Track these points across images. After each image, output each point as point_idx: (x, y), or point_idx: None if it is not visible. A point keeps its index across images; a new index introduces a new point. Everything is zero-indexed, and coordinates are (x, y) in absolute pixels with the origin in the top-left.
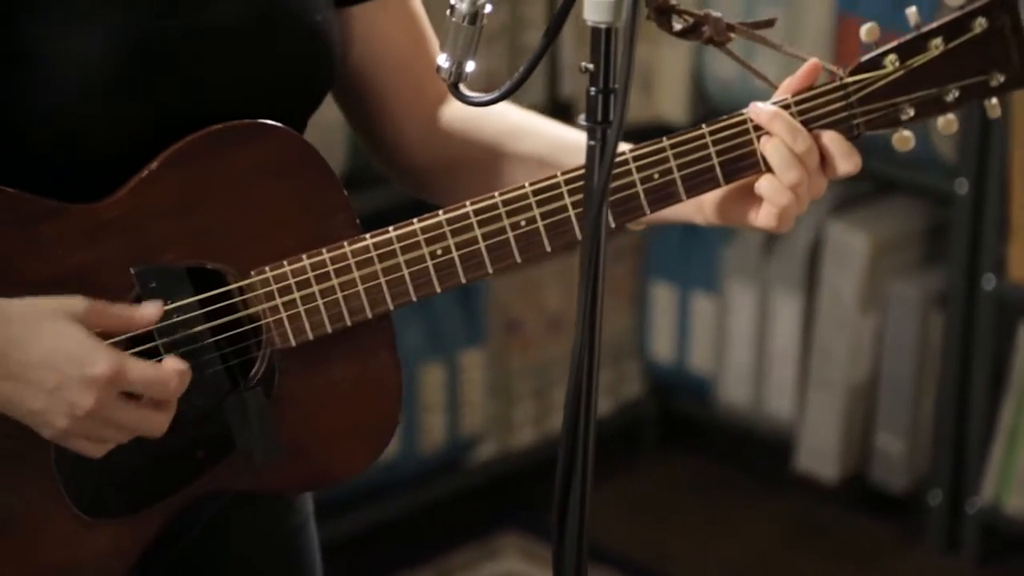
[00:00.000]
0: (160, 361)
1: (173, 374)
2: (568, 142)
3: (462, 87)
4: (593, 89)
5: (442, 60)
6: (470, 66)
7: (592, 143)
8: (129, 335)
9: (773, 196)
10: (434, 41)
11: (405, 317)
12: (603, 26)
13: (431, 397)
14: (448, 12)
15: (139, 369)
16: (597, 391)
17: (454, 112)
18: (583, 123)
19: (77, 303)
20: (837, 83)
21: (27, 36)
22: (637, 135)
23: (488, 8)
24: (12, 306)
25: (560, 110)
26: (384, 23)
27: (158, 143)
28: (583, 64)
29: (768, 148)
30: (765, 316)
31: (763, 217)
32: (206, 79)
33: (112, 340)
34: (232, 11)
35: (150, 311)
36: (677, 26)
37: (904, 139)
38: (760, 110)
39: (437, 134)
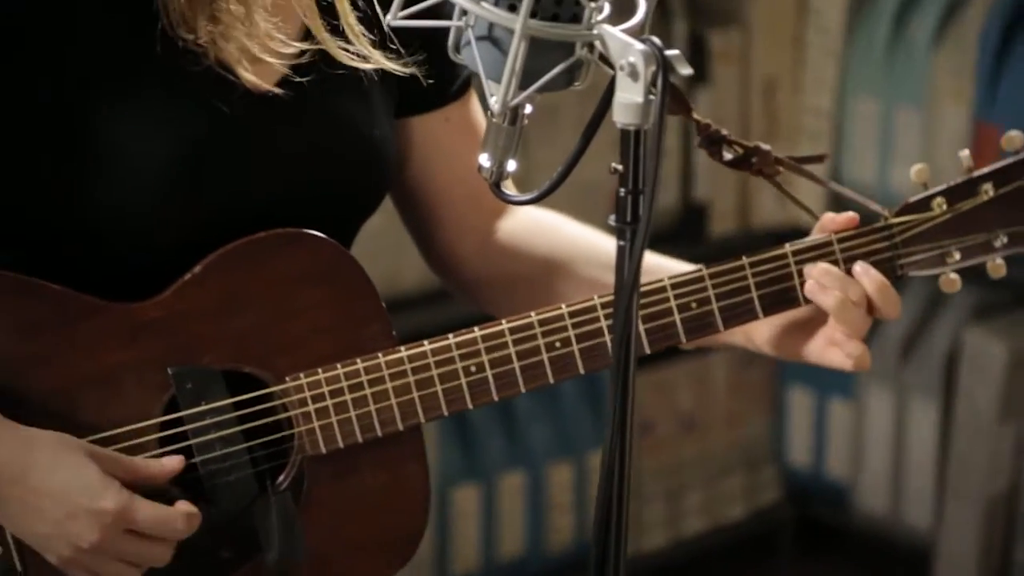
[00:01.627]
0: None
1: (181, 516)
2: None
3: (503, 186)
4: (623, 190)
5: (483, 160)
6: (511, 165)
7: (622, 243)
8: (163, 435)
9: (843, 343)
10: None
11: (532, 415)
12: (632, 128)
13: (559, 496)
14: (488, 112)
15: (147, 509)
16: (628, 513)
17: (510, 226)
18: (612, 223)
19: (106, 452)
20: (882, 223)
21: (94, 133)
22: (773, 238)
23: (528, 109)
24: (40, 434)
25: (694, 212)
26: (444, 134)
27: (207, 245)
28: (613, 165)
29: (830, 302)
30: (902, 423)
31: (830, 358)
32: (260, 187)
33: (146, 438)
34: (289, 121)
35: (172, 464)
36: (727, 156)
37: (951, 282)
38: (814, 269)
39: (492, 247)
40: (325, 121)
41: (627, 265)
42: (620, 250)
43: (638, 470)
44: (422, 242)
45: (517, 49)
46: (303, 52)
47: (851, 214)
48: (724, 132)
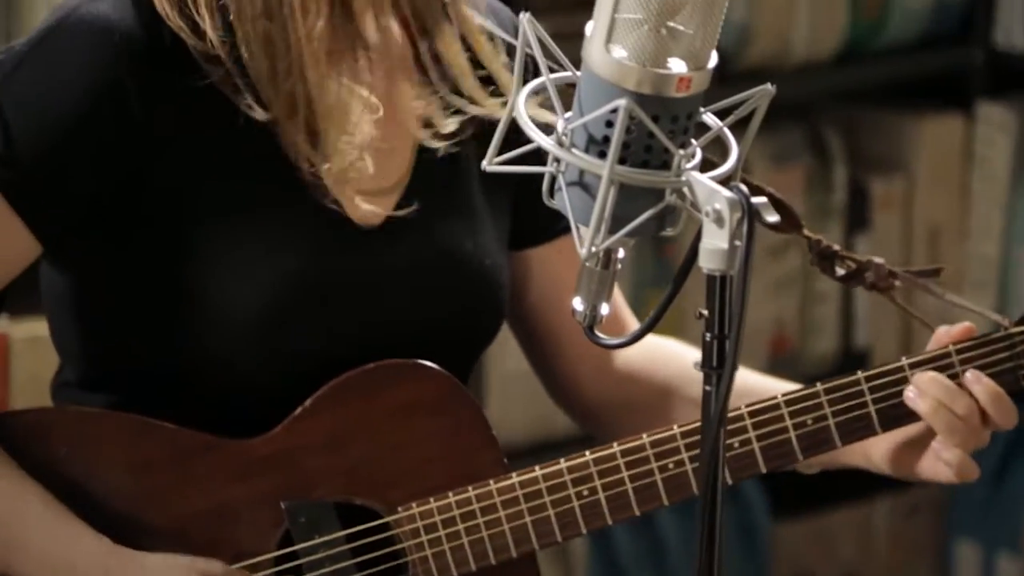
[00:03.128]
0: None
1: None
2: (744, 387)
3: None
4: (708, 335)
5: (577, 303)
6: (604, 309)
7: (708, 388)
8: (278, 569)
9: (941, 452)
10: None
11: (688, 559)
12: (717, 273)
13: None
14: (582, 256)
15: None
16: None
17: (628, 354)
18: (697, 368)
19: (215, 566)
20: (1003, 333)
21: (200, 273)
22: None
23: (621, 253)
24: (150, 558)
25: (854, 358)
26: (560, 265)
27: (318, 378)
28: (699, 310)
29: (928, 411)
30: None
31: (937, 472)
32: (371, 319)
33: (262, 573)
34: (400, 253)
35: None
36: (840, 271)
37: None
38: (918, 378)
39: (610, 375)
40: (435, 252)
41: (713, 409)
42: (706, 395)
43: None
44: (541, 370)
45: (605, 195)
46: (414, 185)
47: (967, 324)
48: (836, 247)
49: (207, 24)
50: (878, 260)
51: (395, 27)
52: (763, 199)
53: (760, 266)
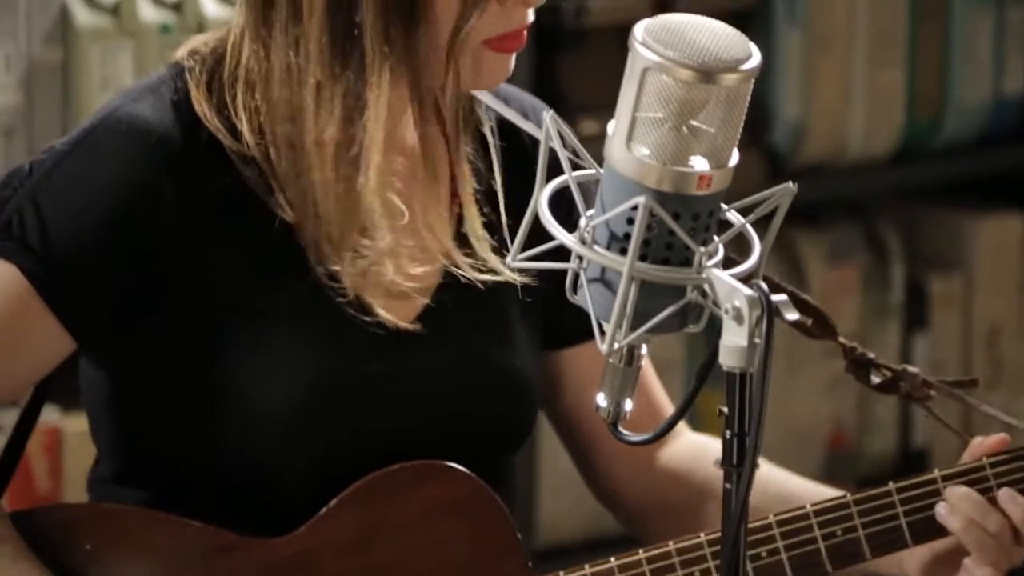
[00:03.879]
0: None
1: None
2: (784, 493)
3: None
4: (728, 432)
5: (600, 400)
6: (628, 405)
7: (728, 486)
8: None
9: (972, 569)
10: (652, 382)
11: None
12: (737, 371)
13: None
14: (603, 352)
15: None
16: None
17: (671, 452)
18: (717, 466)
19: None
20: None
21: (229, 373)
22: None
23: (644, 350)
24: None
25: (912, 460)
26: (593, 365)
27: (345, 477)
28: (719, 407)
29: (959, 528)
30: None
31: None
32: (399, 420)
33: None
34: (429, 355)
35: None
36: (875, 379)
37: None
38: (950, 492)
39: (650, 475)
40: (464, 354)
41: (733, 508)
42: (726, 493)
43: None
44: (582, 469)
45: (626, 292)
46: (443, 285)
47: (1002, 436)
48: (871, 355)
49: (244, 125)
50: (913, 369)
51: (434, 132)
52: (783, 297)
53: (816, 364)
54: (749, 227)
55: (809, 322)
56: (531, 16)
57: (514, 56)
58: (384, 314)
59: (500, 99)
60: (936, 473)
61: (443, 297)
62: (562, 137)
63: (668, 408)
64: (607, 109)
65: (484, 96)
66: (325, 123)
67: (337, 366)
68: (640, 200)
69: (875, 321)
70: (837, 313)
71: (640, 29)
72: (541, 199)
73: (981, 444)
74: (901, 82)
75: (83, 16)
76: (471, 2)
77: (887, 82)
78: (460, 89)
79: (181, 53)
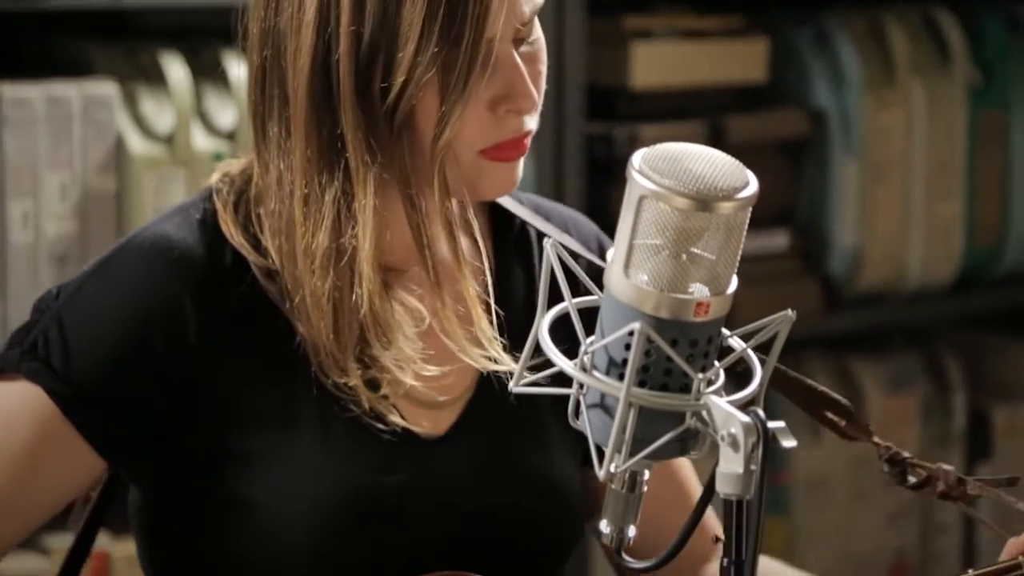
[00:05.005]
0: None
1: None
2: None
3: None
4: (725, 560)
5: (603, 526)
6: (631, 531)
7: None
8: None
9: None
10: (697, 494)
11: None
12: (734, 498)
13: None
14: (600, 478)
15: None
16: None
17: (715, 570)
18: None
19: None
20: None
21: (249, 485)
22: None
23: (647, 475)
24: None
25: None
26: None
27: None
28: (714, 535)
29: None
30: None
31: None
32: (429, 530)
33: None
34: (460, 461)
35: None
36: (911, 479)
37: None
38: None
39: None
40: (499, 464)
41: None
42: None
43: None
44: None
45: (624, 417)
46: (478, 389)
47: None
48: (906, 455)
49: (268, 241)
50: (947, 467)
51: (466, 242)
52: (781, 424)
53: (878, 495)
54: (751, 353)
55: (843, 423)
56: (529, 124)
57: (520, 164)
58: (401, 422)
59: (541, 214)
60: (971, 572)
61: (478, 402)
62: (564, 263)
63: (715, 525)
64: None
65: (523, 212)
66: (314, 234)
67: (360, 477)
68: (636, 326)
69: (936, 451)
70: (897, 442)
71: (638, 157)
72: (542, 326)
73: (1016, 542)
74: (960, 210)
75: (137, 145)
76: (447, 111)
77: (946, 210)
78: (448, 195)
79: (214, 177)
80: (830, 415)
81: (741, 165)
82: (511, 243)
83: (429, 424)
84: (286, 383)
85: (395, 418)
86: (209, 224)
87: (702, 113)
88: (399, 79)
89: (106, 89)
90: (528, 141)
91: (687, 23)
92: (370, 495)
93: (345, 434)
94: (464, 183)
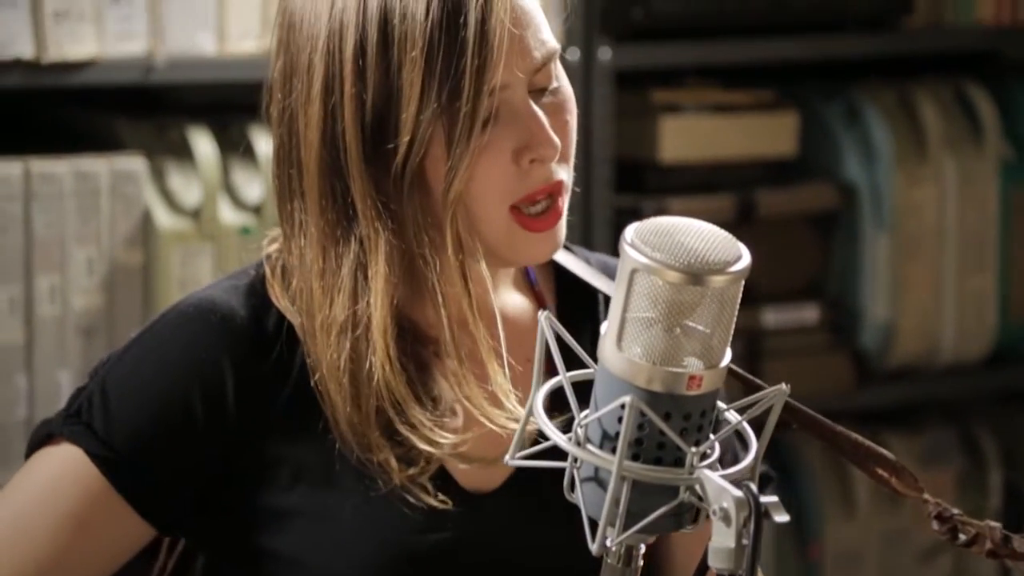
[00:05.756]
0: None
1: None
2: None
3: None
4: None
5: None
6: None
7: None
8: None
9: None
10: None
11: None
12: (726, 574)
13: None
14: (593, 552)
15: None
16: None
17: None
18: None
19: None
20: None
21: (297, 546)
22: None
23: (642, 548)
24: None
25: None
26: (688, 544)
27: None
28: None
29: None
30: None
31: None
32: None
33: None
34: (508, 512)
35: None
36: (962, 537)
37: None
38: None
39: None
40: (547, 505)
41: None
42: None
43: None
44: None
45: (616, 491)
46: (515, 483)
47: None
48: (955, 511)
49: (295, 318)
50: (994, 524)
51: (525, 301)
52: (774, 499)
53: (911, 571)
54: (747, 426)
55: (892, 480)
56: (559, 174)
57: (557, 233)
58: (431, 502)
59: (609, 274)
60: None
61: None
62: (558, 335)
63: None
64: None
65: (585, 271)
66: (331, 307)
67: (405, 538)
68: (626, 399)
69: None
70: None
71: (631, 230)
72: (536, 400)
73: None
74: (993, 284)
75: (164, 219)
76: (454, 164)
77: (979, 285)
78: (462, 251)
79: (266, 244)
80: (879, 471)
81: (734, 239)
82: (575, 302)
83: (480, 480)
84: (327, 445)
85: (428, 498)
86: (257, 290)
87: (731, 187)
88: (404, 139)
89: (134, 164)
90: (562, 204)
91: (716, 97)
92: (415, 553)
93: (385, 496)
94: (503, 247)
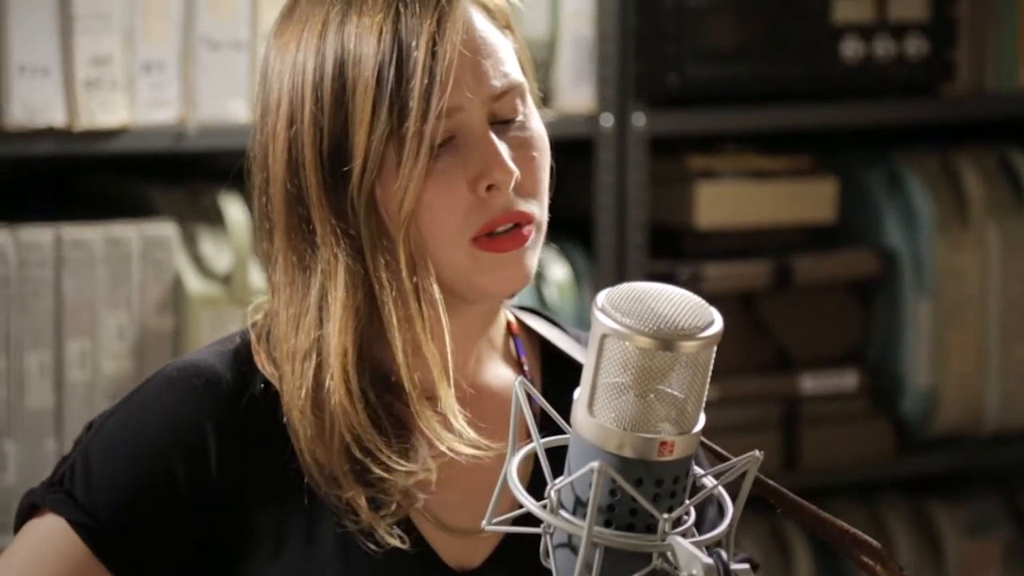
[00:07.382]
0: None
1: None
2: None
3: None
4: None
5: None
6: None
7: None
8: None
9: None
10: None
11: None
12: None
13: None
14: None
15: None
16: None
17: None
18: None
19: None
20: None
21: None
22: None
23: None
24: None
25: None
26: None
27: None
28: None
29: None
30: None
31: None
32: None
33: None
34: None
35: None
36: None
37: None
38: None
39: None
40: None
41: None
42: None
43: None
44: None
45: (586, 557)
46: (499, 559)
47: None
48: None
49: (275, 367)
50: None
51: (508, 370)
52: (745, 566)
53: None
54: (723, 491)
55: (878, 568)
56: (521, 205)
57: (525, 257)
58: (398, 544)
59: (572, 336)
60: None
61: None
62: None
63: None
64: (719, 375)
65: (561, 339)
66: (295, 335)
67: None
68: (595, 465)
69: None
70: None
71: (602, 296)
72: (511, 467)
73: None
74: None
75: (195, 284)
76: (402, 184)
77: (1023, 352)
78: (415, 272)
79: (258, 315)
80: (865, 558)
81: (706, 304)
82: (560, 376)
83: (463, 555)
84: (312, 507)
85: (392, 540)
86: (243, 355)
87: (768, 252)
88: (358, 161)
89: (165, 230)
90: (528, 232)
91: (752, 163)
92: None
93: (368, 566)
94: (463, 281)
